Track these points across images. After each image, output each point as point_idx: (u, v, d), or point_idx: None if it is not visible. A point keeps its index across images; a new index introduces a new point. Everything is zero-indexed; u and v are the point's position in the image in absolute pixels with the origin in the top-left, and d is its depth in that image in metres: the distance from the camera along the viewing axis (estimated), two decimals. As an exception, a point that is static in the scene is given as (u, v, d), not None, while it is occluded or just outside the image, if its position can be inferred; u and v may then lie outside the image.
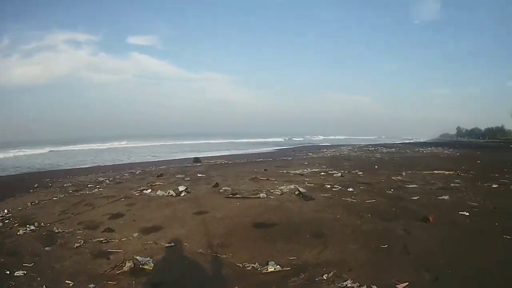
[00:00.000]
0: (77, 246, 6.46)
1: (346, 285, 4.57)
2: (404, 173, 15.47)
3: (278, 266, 5.25)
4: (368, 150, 40.78)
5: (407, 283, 4.50)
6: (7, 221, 8.37)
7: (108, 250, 6.22)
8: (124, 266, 5.37)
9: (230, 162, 23.60)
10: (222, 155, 33.48)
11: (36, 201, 10.53)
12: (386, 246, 5.96)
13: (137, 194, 11.19)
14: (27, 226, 7.78)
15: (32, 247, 6.43)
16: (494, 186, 11.78)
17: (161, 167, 21.09)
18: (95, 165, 24.58)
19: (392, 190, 11.22)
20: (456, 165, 19.21)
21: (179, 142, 66.05)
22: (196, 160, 24.70)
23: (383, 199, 9.79)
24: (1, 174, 19.66)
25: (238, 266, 5.39)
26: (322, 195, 10.36)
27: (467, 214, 7.93)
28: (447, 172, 15.77)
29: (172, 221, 7.91)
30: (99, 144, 53.92)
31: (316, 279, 4.78)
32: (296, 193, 10.52)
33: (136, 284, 4.87)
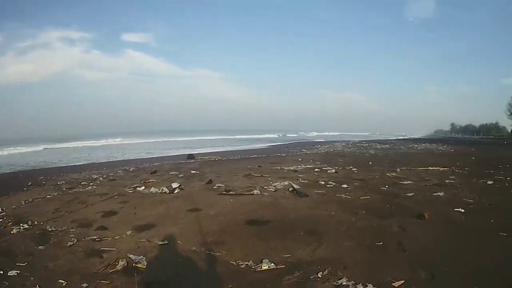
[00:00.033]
0: (70, 245, 6.37)
1: (341, 283, 4.50)
2: (398, 170, 15.48)
3: (272, 264, 5.18)
4: (362, 146, 40.78)
5: (403, 281, 4.44)
6: (1, 220, 8.24)
7: (101, 249, 6.12)
8: (117, 264, 5.28)
9: (223, 159, 23.54)
10: (216, 152, 33.29)
11: (30, 199, 10.40)
12: (381, 243, 5.89)
13: (130, 192, 11.10)
14: (21, 224, 7.66)
15: (25, 246, 6.33)
16: (489, 182, 11.78)
17: (155, 164, 20.91)
18: (89, 162, 24.37)
19: (386, 186, 11.19)
20: (451, 162, 19.26)
21: (173, 139, 65.65)
22: (190, 156, 24.60)
23: (377, 195, 9.75)
24: (-4, 173, 19.40)
25: (232, 264, 5.32)
26: (316, 191, 10.29)
27: (463, 211, 7.89)
28: (442, 169, 15.76)
29: (166, 219, 7.84)
30: (93, 141, 53.74)
31: (310, 277, 4.71)
32: (290, 189, 10.47)
33: (129, 283, 4.78)
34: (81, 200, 10.06)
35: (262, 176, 13.65)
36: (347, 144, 47.21)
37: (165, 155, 29.83)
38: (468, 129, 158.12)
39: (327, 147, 38.16)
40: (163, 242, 6.28)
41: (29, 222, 7.80)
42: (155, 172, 15.56)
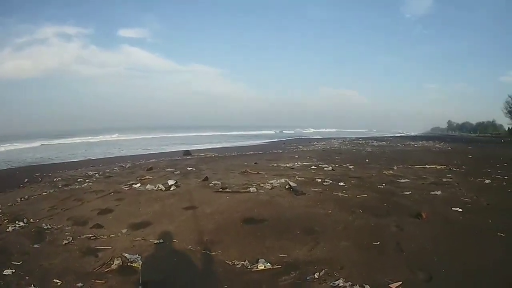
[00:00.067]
0: (65, 243, 6.30)
1: (338, 284, 4.45)
2: (395, 167, 15.42)
3: (268, 264, 5.12)
4: (359, 143, 40.82)
5: (400, 283, 4.40)
6: (-3, 217, 8.17)
7: (96, 247, 6.05)
8: (113, 263, 5.23)
9: (220, 155, 23.41)
10: (212, 148, 33.33)
11: (26, 197, 10.30)
12: (378, 243, 5.84)
13: (126, 189, 10.99)
14: (17, 222, 7.59)
15: (21, 245, 6.26)
16: (487, 181, 11.75)
17: (151, 160, 20.85)
18: (85, 158, 24.32)
19: (383, 184, 11.14)
20: (448, 160, 19.23)
21: (170, 135, 65.71)
22: (187, 153, 24.47)
23: (374, 194, 9.68)
24: (-8, 169, 19.30)
25: (228, 263, 5.26)
26: (313, 189, 10.22)
27: (460, 210, 7.84)
28: (439, 167, 15.72)
29: (161, 217, 7.75)
30: (90, 137, 53.36)
31: (307, 278, 4.66)
32: (287, 187, 10.39)
33: (124, 282, 4.74)
34: (77, 198, 9.95)
35: (258, 173, 13.57)
36: (343, 141, 47.29)
37: (162, 152, 29.85)
38: (465, 126, 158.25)
39: (324, 144, 38.13)
40: (158, 241, 6.22)
41: (25, 220, 7.73)
42: (151, 169, 15.47)
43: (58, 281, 4.77)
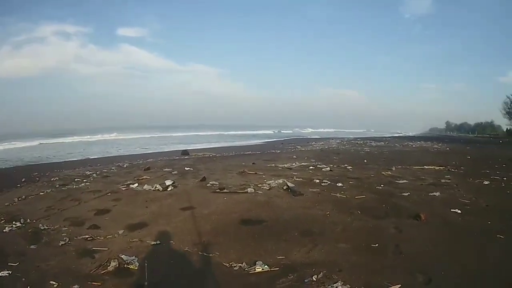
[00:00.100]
0: (62, 244, 6.24)
1: (337, 287, 4.40)
2: (394, 168, 15.38)
3: (266, 266, 5.06)
4: (357, 143, 40.84)
5: (399, 286, 4.34)
6: (-6, 217, 8.10)
7: (93, 248, 5.99)
8: (109, 265, 5.17)
9: (218, 155, 23.40)
10: (210, 148, 33.28)
11: (23, 197, 10.23)
12: (377, 245, 5.80)
13: (123, 189, 10.95)
14: (13, 223, 7.53)
15: (17, 245, 6.20)
16: (486, 182, 11.69)
17: (149, 160, 20.82)
18: (83, 158, 24.20)
19: (382, 185, 11.09)
20: (446, 160, 19.19)
21: (169, 134, 65.62)
22: (184, 152, 24.42)
23: (373, 195, 9.63)
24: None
25: (225, 266, 5.20)
26: (311, 190, 10.19)
27: (459, 211, 7.79)
28: (438, 168, 15.69)
29: (158, 217, 7.71)
30: (89, 136, 53.26)
31: (305, 281, 4.61)
32: (285, 188, 10.36)
33: (120, 284, 4.69)
34: (74, 198, 9.92)
35: (256, 173, 13.54)
36: (342, 141, 47.33)
37: (160, 151, 29.79)
38: (463, 127, 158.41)
39: (322, 144, 38.11)
40: (155, 242, 6.17)
41: (22, 220, 7.68)
42: (148, 168, 15.43)
43: (54, 283, 4.71)
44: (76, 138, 51.11)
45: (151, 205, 8.82)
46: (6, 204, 9.40)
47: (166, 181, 11.18)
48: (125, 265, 5.22)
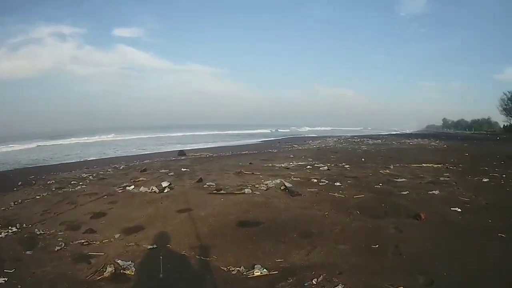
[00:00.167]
0: (58, 249, 6.13)
1: (337, 290, 4.31)
2: (392, 166, 15.34)
3: (264, 269, 4.96)
4: (354, 141, 40.89)
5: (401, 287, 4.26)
6: (-11, 223, 7.99)
7: (89, 253, 5.87)
8: (105, 271, 5.07)
9: (215, 155, 23.32)
10: (207, 148, 33.23)
11: (19, 200, 10.11)
12: (377, 246, 5.70)
13: (120, 191, 10.84)
14: (9, 228, 7.41)
15: (13, 251, 6.09)
16: (485, 180, 11.63)
17: (145, 161, 20.75)
18: (80, 160, 24.17)
19: (380, 184, 11.02)
20: (444, 158, 19.18)
21: (166, 135, 65.58)
22: (181, 153, 24.39)
23: (371, 194, 9.55)
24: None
25: (223, 269, 5.09)
26: (308, 190, 10.10)
27: (459, 210, 7.72)
28: (436, 165, 15.65)
29: (155, 220, 7.60)
30: (86, 138, 53.18)
31: (305, 284, 4.50)
32: (282, 188, 10.27)
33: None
34: (70, 201, 9.80)
35: (253, 173, 13.45)
36: (339, 139, 47.38)
37: (156, 152, 29.71)
38: (460, 124, 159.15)
39: (319, 143, 38.15)
40: (152, 246, 6.06)
41: (18, 225, 7.56)
42: (145, 170, 15.32)
43: (50, 289, 4.62)
44: (73, 140, 51.09)
45: (147, 207, 8.71)
46: (2, 208, 9.29)
47: (162, 183, 11.06)
48: (121, 271, 5.12)
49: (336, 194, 9.53)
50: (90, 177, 14.35)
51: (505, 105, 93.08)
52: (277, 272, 4.92)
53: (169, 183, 11.15)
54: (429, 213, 7.31)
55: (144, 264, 5.37)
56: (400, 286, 4.29)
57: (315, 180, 11.62)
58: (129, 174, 14.77)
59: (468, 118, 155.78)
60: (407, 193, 9.52)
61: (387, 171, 14.06)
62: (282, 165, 16.20)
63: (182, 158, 22.17)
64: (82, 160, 24.09)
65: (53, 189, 11.88)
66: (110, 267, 5.15)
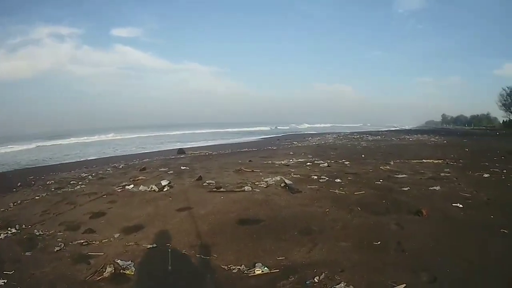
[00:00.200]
0: (57, 250, 6.06)
1: (340, 288, 4.26)
2: (392, 162, 15.31)
3: (265, 268, 4.90)
4: (354, 138, 40.90)
5: (404, 285, 4.20)
6: (-11, 224, 7.93)
7: (88, 254, 5.81)
8: (105, 271, 5.01)
9: (214, 153, 23.30)
10: (207, 146, 33.19)
11: (19, 201, 10.04)
12: (379, 243, 5.65)
13: (119, 190, 10.77)
14: (9, 229, 7.35)
15: (13, 253, 6.03)
16: (485, 175, 11.61)
17: (145, 160, 20.66)
18: (80, 159, 24.08)
19: (381, 180, 10.97)
20: (444, 154, 19.18)
21: (166, 133, 65.37)
22: (180, 151, 24.32)
23: (372, 190, 9.51)
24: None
25: (224, 268, 5.03)
26: (309, 187, 10.06)
27: (461, 206, 7.68)
28: (436, 161, 15.62)
29: (154, 219, 7.54)
30: (86, 138, 52.95)
31: (307, 282, 4.44)
32: (282, 185, 10.22)
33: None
34: (69, 201, 9.73)
35: (253, 171, 13.40)
36: (338, 136, 47.36)
37: (156, 150, 29.64)
38: (459, 120, 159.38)
39: (319, 139, 38.14)
40: (151, 246, 6.01)
41: (17, 226, 7.50)
42: (144, 169, 15.27)
43: (49, 291, 4.58)
44: (73, 140, 50.90)
45: (146, 206, 8.65)
46: (1, 209, 9.23)
47: (162, 181, 11.02)
48: (121, 271, 5.06)
49: (336, 191, 9.47)
50: (90, 176, 14.29)
51: (504, 100, 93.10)
52: (278, 270, 4.86)
53: (168, 181, 11.11)
54: (431, 209, 7.26)
55: (144, 263, 5.32)
56: (403, 284, 4.23)
57: (315, 177, 11.56)
58: (129, 173, 14.71)
59: (468, 114, 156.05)
60: (408, 189, 9.49)
61: (387, 167, 14.02)
62: (282, 162, 16.14)
63: (181, 156, 22.09)
64: (81, 160, 24.00)
65: (53, 189, 11.81)
66: (110, 267, 5.09)
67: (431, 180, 10.92)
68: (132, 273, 5.02)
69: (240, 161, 16.98)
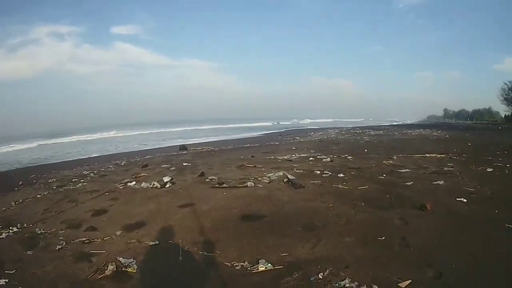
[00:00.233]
0: (59, 249, 6.03)
1: (344, 285, 4.21)
2: (395, 157, 15.25)
3: (269, 264, 4.87)
4: (356, 132, 40.80)
5: (409, 281, 4.16)
6: (-9, 223, 7.91)
7: (90, 252, 5.78)
8: (107, 269, 4.98)
9: (216, 149, 23.25)
10: (209, 142, 33.11)
11: (20, 200, 10.02)
12: (383, 238, 5.60)
13: (121, 187, 10.75)
14: (10, 228, 7.34)
15: (14, 252, 6.01)
16: (489, 169, 11.55)
17: (147, 156, 20.59)
18: (82, 157, 23.93)
19: (384, 175, 10.92)
20: (447, 148, 19.12)
21: (168, 130, 65.35)
22: (182, 147, 24.32)
23: (376, 185, 9.46)
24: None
25: (227, 265, 5.00)
26: (312, 182, 10.02)
27: (465, 200, 7.62)
28: (439, 155, 15.54)
29: (157, 216, 7.51)
30: (88, 135, 52.94)
31: (311, 279, 4.41)
32: (285, 180, 10.19)
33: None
34: (71, 199, 9.72)
35: (255, 166, 13.36)
36: (340, 131, 47.28)
37: (158, 147, 29.51)
38: (461, 114, 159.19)
39: (321, 134, 38.11)
40: (154, 243, 5.97)
41: (19, 225, 7.49)
42: (146, 165, 15.23)
43: (50, 290, 4.56)
44: (74, 138, 50.70)
45: (149, 203, 8.62)
46: (3, 208, 9.21)
47: (164, 178, 10.96)
48: (123, 268, 5.03)
49: (340, 186, 9.43)
50: (91, 174, 14.27)
51: (506, 95, 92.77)
52: (282, 266, 4.83)
53: (170, 178, 11.06)
54: (435, 204, 7.21)
55: (146, 261, 5.30)
56: (409, 279, 4.19)
57: (318, 172, 11.52)
58: (130, 170, 14.69)
59: (469, 108, 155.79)
60: (412, 184, 9.44)
61: (390, 161, 13.97)
62: (285, 158, 16.09)
63: (183, 152, 22.09)
64: (83, 157, 23.92)
65: (54, 187, 11.81)
66: (112, 265, 5.05)
67: (435, 174, 10.85)
68: (134, 271, 4.99)
69: (242, 157, 16.95)
